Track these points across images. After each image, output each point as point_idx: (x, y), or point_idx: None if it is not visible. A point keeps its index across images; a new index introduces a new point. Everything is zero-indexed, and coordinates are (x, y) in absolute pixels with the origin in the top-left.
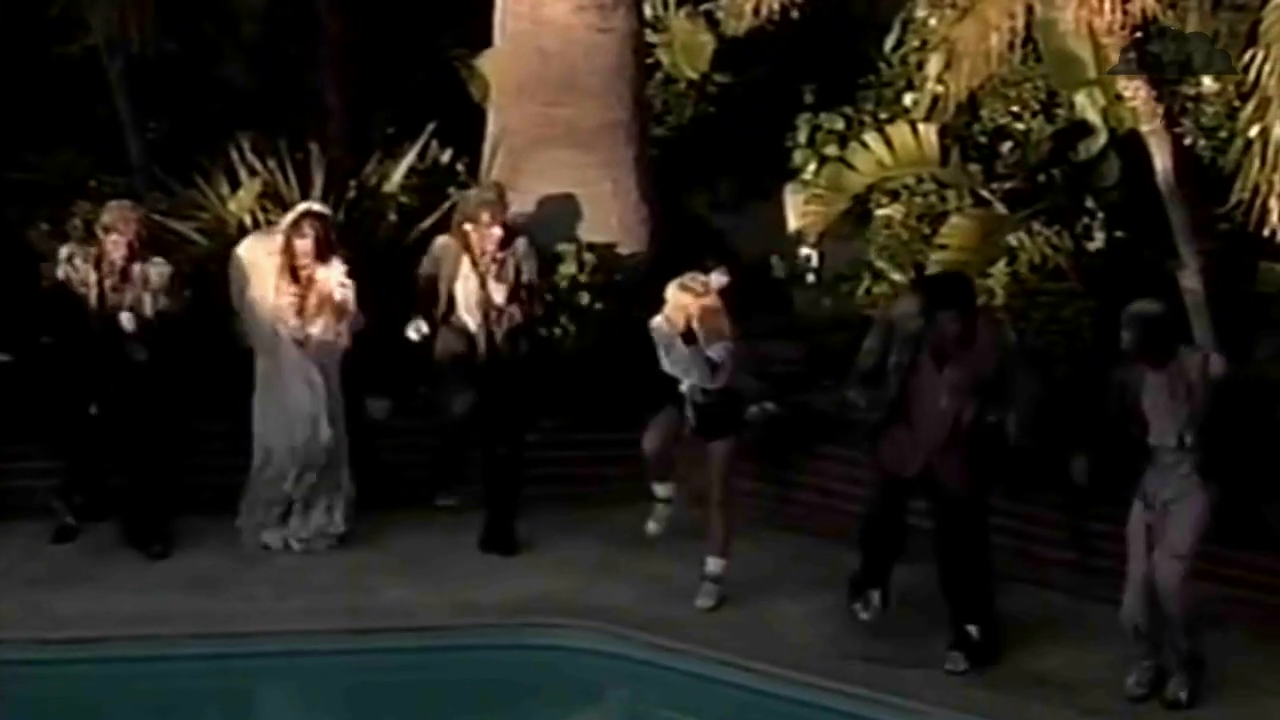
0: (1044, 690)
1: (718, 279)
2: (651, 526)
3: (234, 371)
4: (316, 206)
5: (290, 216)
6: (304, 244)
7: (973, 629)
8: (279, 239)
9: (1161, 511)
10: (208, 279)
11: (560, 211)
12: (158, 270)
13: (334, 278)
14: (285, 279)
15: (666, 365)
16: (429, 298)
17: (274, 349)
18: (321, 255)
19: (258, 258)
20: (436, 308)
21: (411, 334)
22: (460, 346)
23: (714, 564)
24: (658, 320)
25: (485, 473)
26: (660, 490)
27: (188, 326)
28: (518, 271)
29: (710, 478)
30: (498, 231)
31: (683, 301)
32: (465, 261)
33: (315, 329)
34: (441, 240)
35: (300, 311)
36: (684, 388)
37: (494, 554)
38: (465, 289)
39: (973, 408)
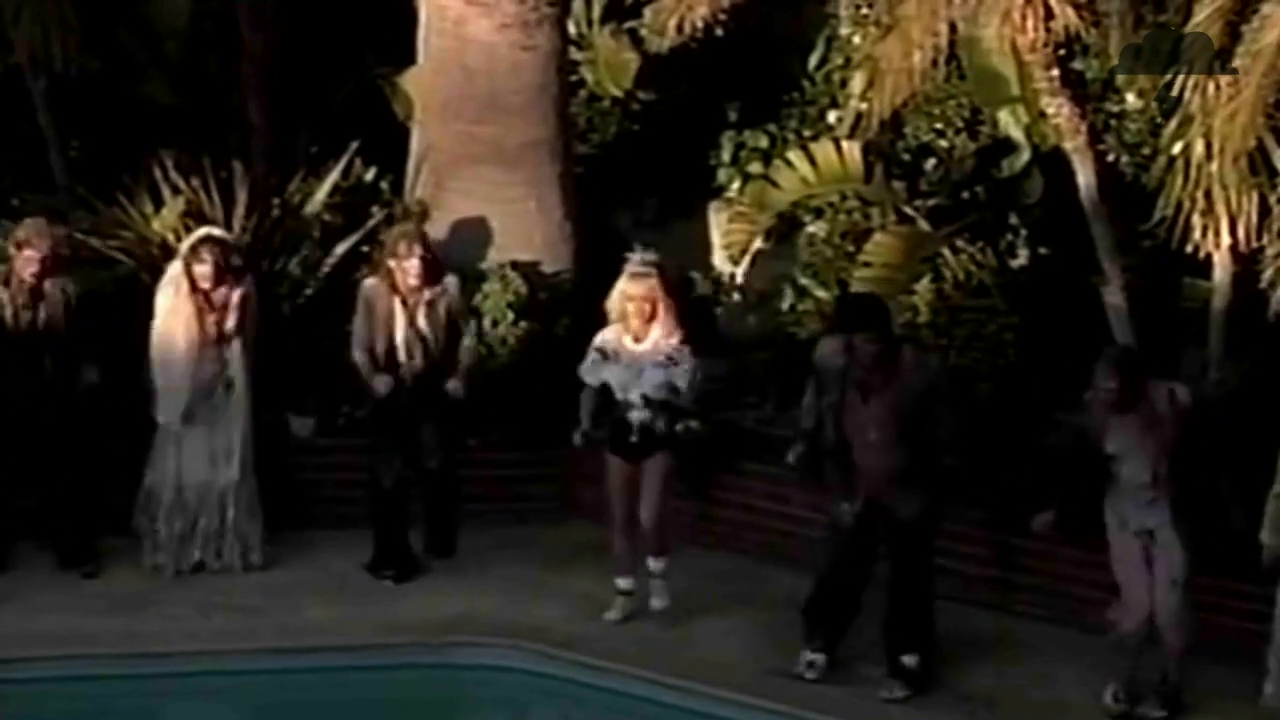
0: (969, 707)
1: (645, 258)
2: (612, 615)
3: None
4: (216, 232)
5: (188, 242)
6: (203, 269)
7: (909, 660)
8: (178, 267)
9: (1147, 539)
10: (131, 298)
11: (484, 230)
12: (71, 289)
13: (235, 296)
14: (201, 306)
15: (608, 377)
16: (371, 348)
17: (182, 387)
18: (221, 279)
19: (173, 305)
20: (377, 353)
21: (381, 390)
22: (393, 390)
23: (656, 563)
24: (605, 336)
25: (422, 489)
26: (622, 583)
27: (104, 346)
28: (448, 312)
29: (647, 493)
30: (415, 263)
31: (639, 291)
32: (395, 301)
33: (233, 353)
34: (369, 283)
35: (219, 339)
36: (633, 397)
37: (430, 576)
38: (398, 327)
39: (897, 436)
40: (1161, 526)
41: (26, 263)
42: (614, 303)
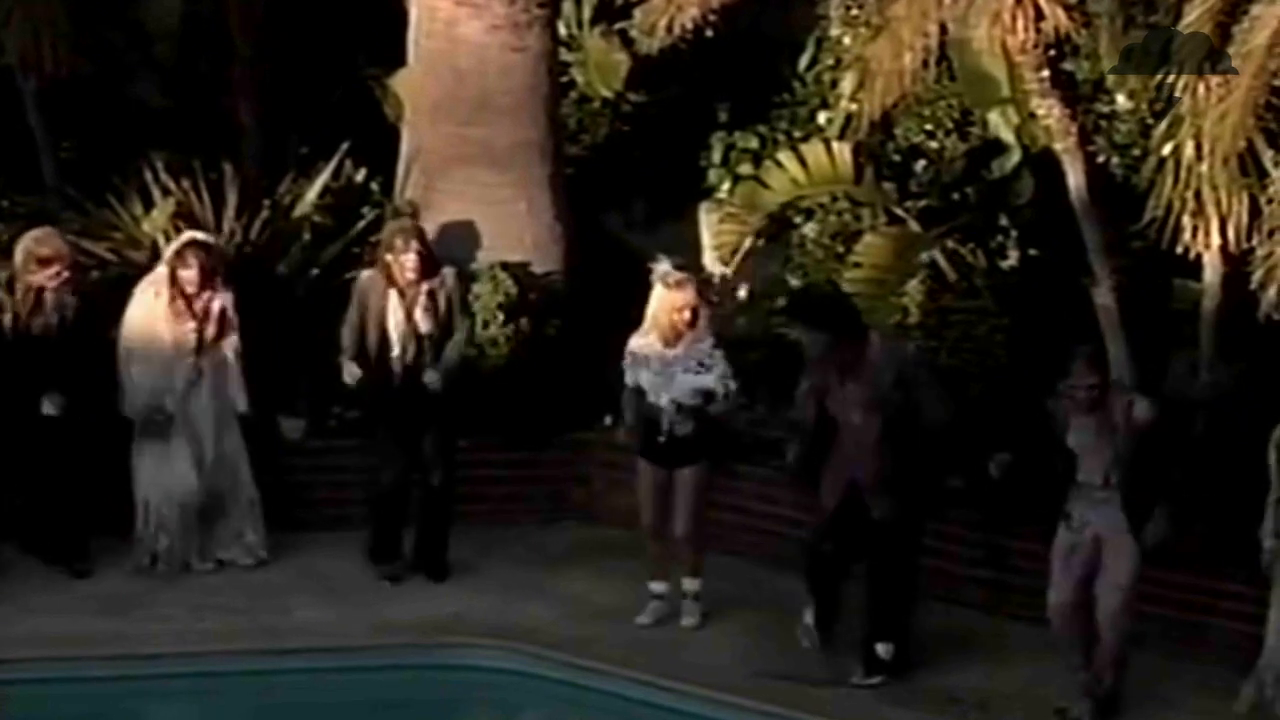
0: (960, 708)
1: (675, 263)
2: (643, 619)
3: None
4: (201, 236)
5: (173, 247)
6: (188, 274)
7: (881, 648)
8: (163, 270)
9: (1093, 541)
10: (120, 299)
11: (474, 231)
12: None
13: (216, 304)
14: (180, 312)
15: (641, 380)
16: (360, 339)
17: (148, 387)
18: (206, 284)
19: (149, 306)
20: (368, 346)
21: (347, 379)
22: (390, 383)
23: (691, 583)
24: (637, 342)
25: (421, 503)
26: (655, 587)
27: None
28: (449, 303)
29: (681, 505)
30: (412, 257)
31: (685, 299)
32: (392, 295)
33: (214, 361)
34: (365, 275)
35: (199, 347)
36: (664, 402)
37: (422, 577)
38: (394, 322)
39: (878, 424)
40: (1112, 531)
41: (53, 278)
42: (659, 314)
